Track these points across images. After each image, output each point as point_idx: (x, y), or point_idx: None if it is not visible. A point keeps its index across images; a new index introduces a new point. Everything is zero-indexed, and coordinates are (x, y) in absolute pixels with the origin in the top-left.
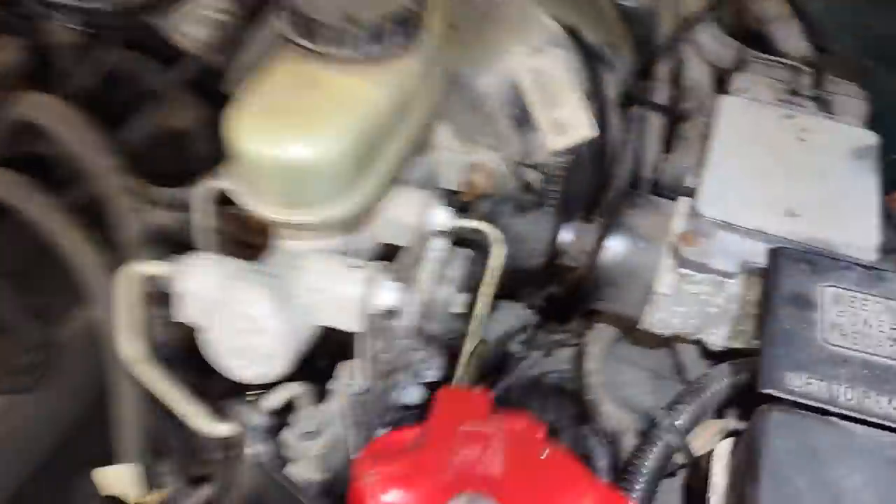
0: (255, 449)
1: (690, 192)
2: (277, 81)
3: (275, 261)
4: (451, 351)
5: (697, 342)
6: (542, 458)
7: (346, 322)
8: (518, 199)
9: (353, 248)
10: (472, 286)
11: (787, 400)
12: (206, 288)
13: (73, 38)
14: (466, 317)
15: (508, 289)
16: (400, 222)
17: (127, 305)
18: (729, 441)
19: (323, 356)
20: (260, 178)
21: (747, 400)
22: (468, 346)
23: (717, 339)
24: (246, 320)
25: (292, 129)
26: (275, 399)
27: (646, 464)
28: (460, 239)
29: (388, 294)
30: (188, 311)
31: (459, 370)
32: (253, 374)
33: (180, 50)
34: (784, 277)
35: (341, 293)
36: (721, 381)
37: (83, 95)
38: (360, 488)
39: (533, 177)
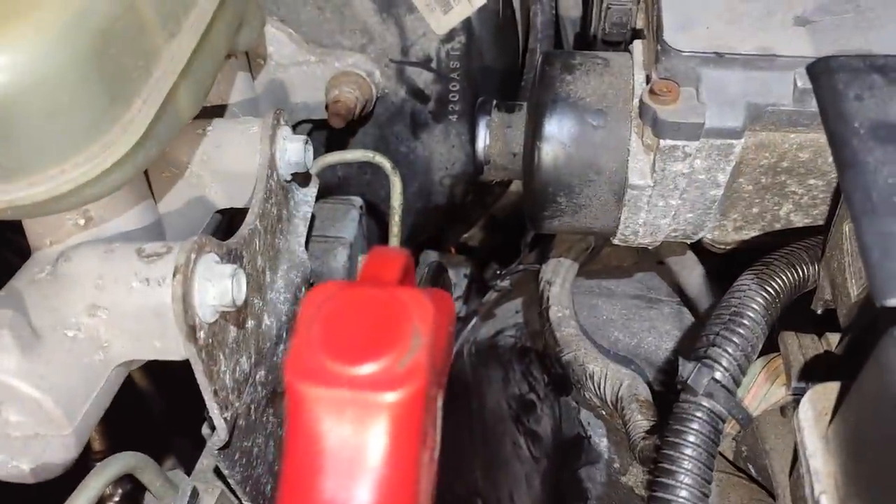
0: None
1: (642, 35)
2: None
3: (26, 278)
4: None
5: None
6: None
7: (160, 349)
8: (411, 112)
9: (153, 226)
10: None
11: None
12: None
13: None
14: None
15: (426, 234)
16: (233, 171)
17: None
18: (815, 394)
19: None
20: None
21: (808, 317)
22: None
23: (725, 233)
24: None
25: None
26: (96, 483)
27: (686, 453)
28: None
29: (219, 286)
30: None
31: None
32: (28, 468)
33: None
34: (851, 102)
35: (138, 304)
36: (760, 296)
37: None
38: None
39: (423, 77)
